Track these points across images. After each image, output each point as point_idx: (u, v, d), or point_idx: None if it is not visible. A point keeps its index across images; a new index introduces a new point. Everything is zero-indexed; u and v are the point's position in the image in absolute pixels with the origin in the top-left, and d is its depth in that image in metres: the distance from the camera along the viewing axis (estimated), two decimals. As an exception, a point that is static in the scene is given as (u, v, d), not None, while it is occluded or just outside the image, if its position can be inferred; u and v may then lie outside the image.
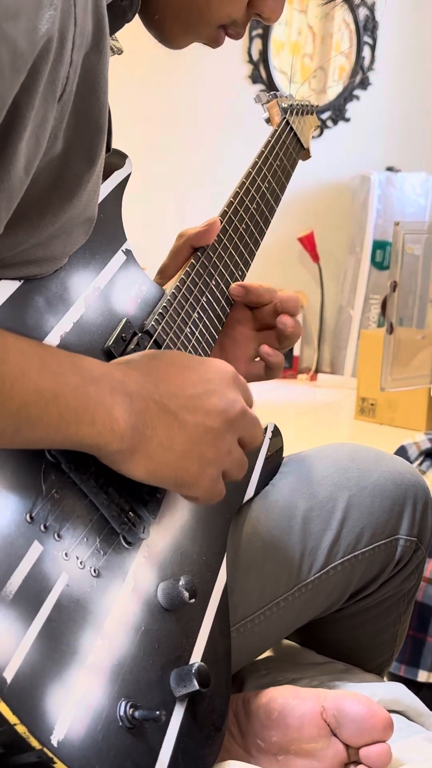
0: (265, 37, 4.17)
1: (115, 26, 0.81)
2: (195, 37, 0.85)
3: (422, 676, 1.62)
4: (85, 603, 0.68)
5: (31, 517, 0.66)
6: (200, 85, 4.15)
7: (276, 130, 1.13)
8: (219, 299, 0.94)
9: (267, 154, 1.09)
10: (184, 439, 0.72)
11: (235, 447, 0.77)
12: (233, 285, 0.98)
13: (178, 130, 4.16)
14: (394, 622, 1.08)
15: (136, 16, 0.82)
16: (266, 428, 1.01)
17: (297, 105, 1.19)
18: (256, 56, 4.19)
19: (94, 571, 0.70)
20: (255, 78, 4.23)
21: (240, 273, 0.99)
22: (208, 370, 0.77)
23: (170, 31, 0.84)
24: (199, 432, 0.73)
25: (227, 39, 0.86)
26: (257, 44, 4.18)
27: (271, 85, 4.22)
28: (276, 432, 1.03)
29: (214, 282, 0.94)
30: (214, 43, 0.86)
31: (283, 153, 1.12)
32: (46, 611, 0.64)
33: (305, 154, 1.19)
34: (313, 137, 1.22)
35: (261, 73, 4.22)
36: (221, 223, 0.99)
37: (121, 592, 0.72)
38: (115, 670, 0.68)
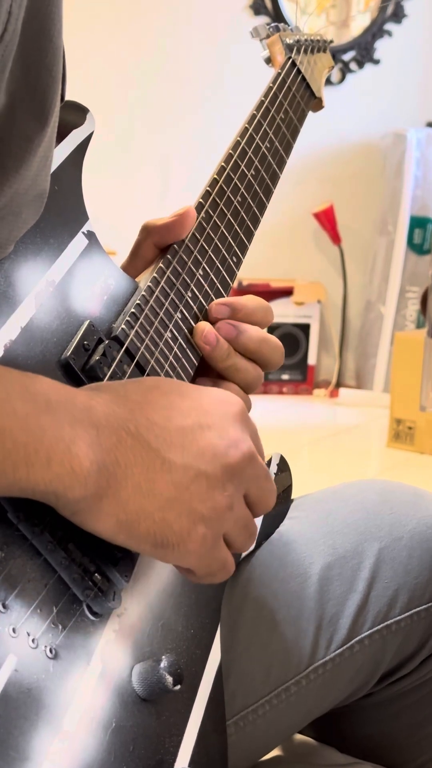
0: None
1: None
2: None
3: None
4: (39, 693, 0.67)
5: (-33, 583, 0.66)
6: (188, 17, 4.17)
7: (279, 74, 1.14)
8: (208, 294, 0.94)
9: (268, 104, 1.09)
10: (168, 483, 0.71)
11: (240, 504, 0.75)
12: (215, 303, 0.93)
13: (159, 77, 4.17)
14: (439, 712, 1.09)
15: None
16: (270, 460, 1.01)
17: (306, 41, 1.19)
18: (258, -20, 4.23)
19: (51, 651, 0.70)
20: (257, 8, 4.25)
21: (234, 259, 0.99)
22: (205, 398, 0.76)
23: None
24: (189, 477, 0.72)
25: None
26: (260, -35, 4.22)
27: (277, 17, 4.25)
28: (283, 465, 1.03)
29: (201, 272, 0.94)
30: None
31: (289, 103, 1.12)
32: (-11, 704, 0.64)
33: (317, 104, 1.20)
34: (328, 83, 1.23)
35: (265, 1, 4.25)
36: (210, 194, 0.98)
37: (85, 678, 0.71)
38: (78, 779, 0.68)
